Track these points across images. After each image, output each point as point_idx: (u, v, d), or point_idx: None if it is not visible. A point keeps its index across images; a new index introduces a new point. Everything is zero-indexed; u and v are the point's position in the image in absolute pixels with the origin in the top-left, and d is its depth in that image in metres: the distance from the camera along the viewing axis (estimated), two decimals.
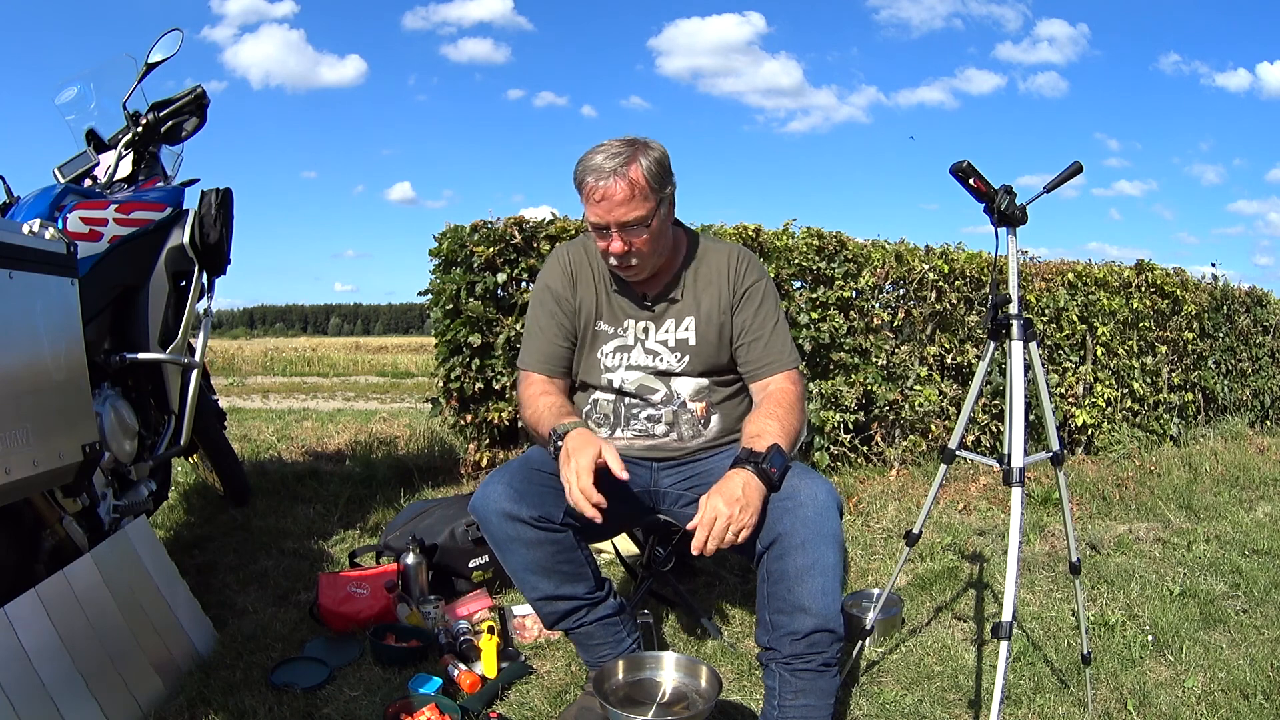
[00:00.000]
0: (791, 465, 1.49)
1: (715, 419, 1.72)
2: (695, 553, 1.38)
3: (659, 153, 1.56)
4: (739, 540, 1.39)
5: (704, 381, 1.71)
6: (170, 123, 2.40)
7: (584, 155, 1.56)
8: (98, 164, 2.38)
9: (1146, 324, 4.83)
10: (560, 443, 1.48)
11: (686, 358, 1.69)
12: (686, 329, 1.69)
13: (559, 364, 1.71)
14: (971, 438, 4.13)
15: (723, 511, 1.38)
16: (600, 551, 2.43)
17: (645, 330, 1.71)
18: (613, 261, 1.60)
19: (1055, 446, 1.64)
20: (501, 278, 3.20)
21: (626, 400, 1.71)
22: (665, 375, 1.70)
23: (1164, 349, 4.97)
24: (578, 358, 1.74)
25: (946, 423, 3.98)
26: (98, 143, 2.41)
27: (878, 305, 3.90)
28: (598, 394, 1.73)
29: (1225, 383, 5.55)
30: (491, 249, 3.16)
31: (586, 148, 1.56)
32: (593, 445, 1.43)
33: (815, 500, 1.42)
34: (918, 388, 3.90)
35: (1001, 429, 3.98)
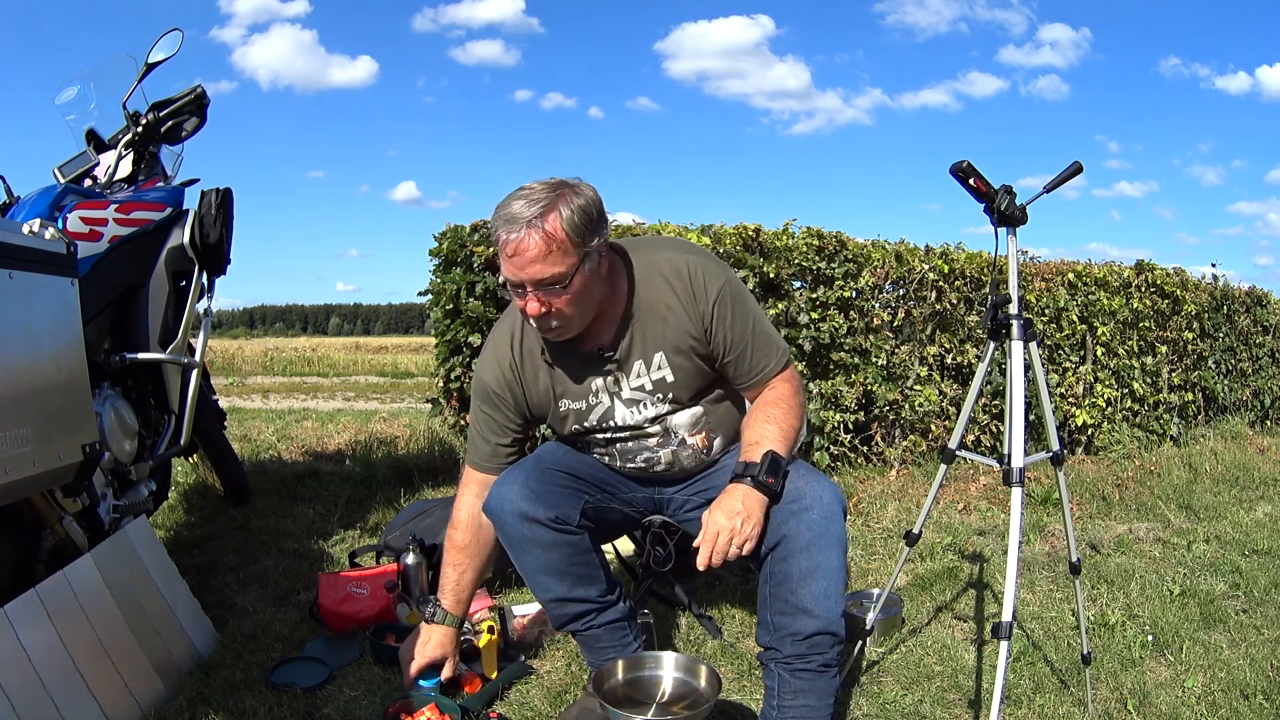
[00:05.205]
0: (796, 465, 1.47)
1: (718, 441, 1.64)
2: (701, 568, 1.37)
3: (585, 200, 1.38)
4: (743, 553, 1.38)
5: (699, 410, 1.59)
6: (170, 123, 2.41)
7: (504, 199, 1.39)
8: (98, 164, 2.38)
9: (1146, 324, 4.83)
10: (430, 619, 1.69)
11: (671, 394, 1.55)
12: (660, 367, 1.53)
13: (500, 460, 1.64)
14: (971, 438, 4.12)
15: (724, 526, 1.37)
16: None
17: (615, 383, 1.55)
18: (531, 323, 1.47)
19: (1055, 446, 1.64)
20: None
21: (621, 445, 1.62)
22: (657, 419, 1.58)
23: (1164, 349, 4.97)
24: (557, 433, 1.67)
25: (946, 423, 3.98)
26: (98, 143, 2.41)
27: (878, 305, 3.89)
28: (593, 447, 1.65)
29: (1225, 383, 5.55)
30: (491, 249, 3.16)
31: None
32: (440, 651, 1.67)
33: (821, 503, 1.41)
34: (918, 388, 3.90)
35: (1001, 429, 3.97)
